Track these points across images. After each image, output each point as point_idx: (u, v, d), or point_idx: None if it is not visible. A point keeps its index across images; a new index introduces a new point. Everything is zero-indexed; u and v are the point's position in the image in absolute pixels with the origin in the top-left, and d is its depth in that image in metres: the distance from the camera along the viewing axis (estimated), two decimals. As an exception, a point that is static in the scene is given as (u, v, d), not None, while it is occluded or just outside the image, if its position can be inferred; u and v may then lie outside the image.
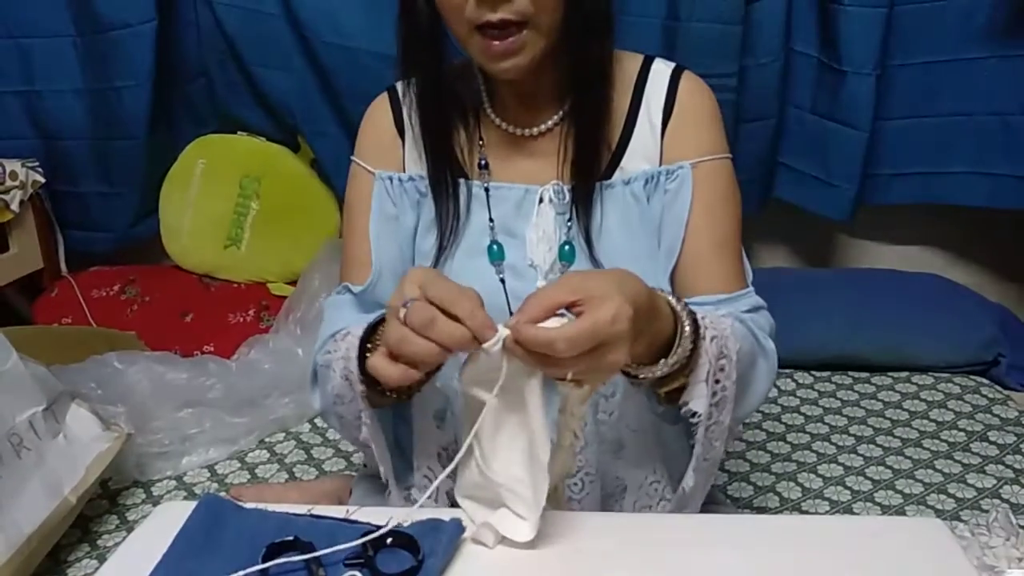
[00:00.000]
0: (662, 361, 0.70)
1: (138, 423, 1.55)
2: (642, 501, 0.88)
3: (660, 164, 0.90)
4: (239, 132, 2.14)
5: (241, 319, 2.08)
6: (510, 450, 0.68)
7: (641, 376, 0.72)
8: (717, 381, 0.72)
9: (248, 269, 2.18)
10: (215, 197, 2.14)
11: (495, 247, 0.91)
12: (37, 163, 2.04)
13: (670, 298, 0.71)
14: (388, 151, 0.95)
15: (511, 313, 0.88)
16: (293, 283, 2.11)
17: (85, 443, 1.36)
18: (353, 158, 0.97)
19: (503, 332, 0.63)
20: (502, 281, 0.90)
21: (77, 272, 2.17)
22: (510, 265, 0.91)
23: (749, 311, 0.85)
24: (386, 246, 0.93)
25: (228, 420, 1.67)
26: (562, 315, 0.64)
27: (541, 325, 0.62)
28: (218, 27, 1.98)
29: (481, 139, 0.94)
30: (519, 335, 0.61)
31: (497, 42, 0.79)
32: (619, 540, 0.70)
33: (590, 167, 0.89)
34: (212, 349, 1.97)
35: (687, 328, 0.70)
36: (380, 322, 0.76)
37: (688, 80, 0.91)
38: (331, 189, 2.11)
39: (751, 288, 0.89)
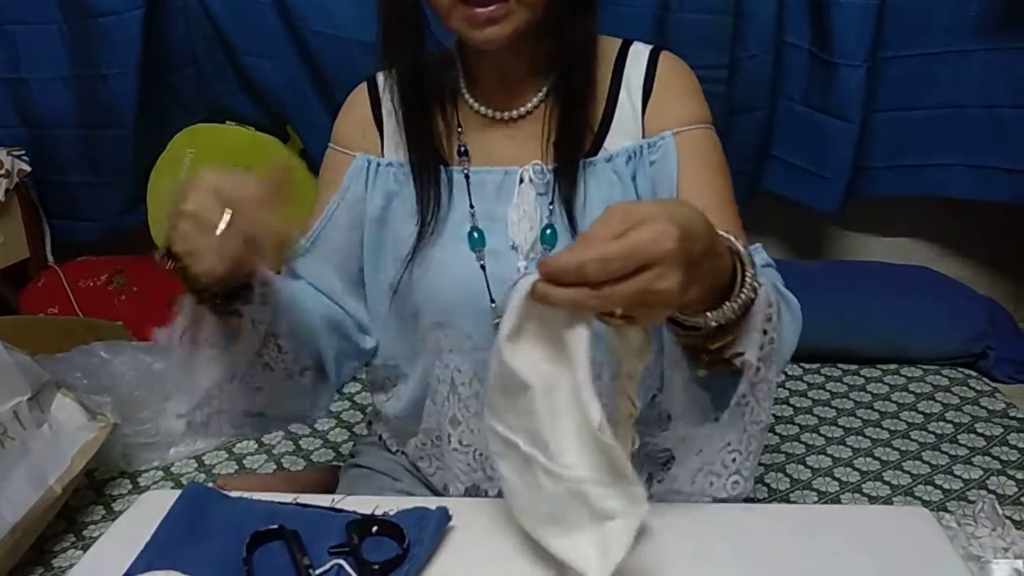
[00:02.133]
0: (727, 304, 0.63)
1: (124, 413, 1.55)
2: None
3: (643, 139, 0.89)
4: (228, 122, 2.12)
5: (229, 309, 2.07)
6: (579, 435, 0.59)
7: (697, 326, 0.64)
8: (764, 332, 0.66)
9: (237, 259, 2.17)
10: (203, 187, 2.12)
11: (475, 234, 0.90)
12: (23, 152, 2.02)
13: (729, 237, 0.65)
14: (367, 139, 0.94)
15: (491, 298, 0.88)
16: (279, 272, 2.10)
17: (70, 433, 1.35)
18: (330, 144, 0.97)
19: (527, 281, 0.56)
20: (483, 267, 0.89)
21: (64, 262, 2.15)
22: (491, 249, 0.90)
23: (762, 266, 0.82)
24: (341, 224, 0.93)
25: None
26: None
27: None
28: (207, 15, 1.96)
29: (460, 126, 0.93)
30: (545, 268, 0.55)
31: (480, 8, 0.79)
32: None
33: (574, 146, 0.88)
34: (200, 340, 1.96)
35: (750, 269, 0.64)
36: None
37: (666, 58, 0.91)
38: (320, 179, 2.10)
39: (759, 245, 0.85)
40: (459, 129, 0.93)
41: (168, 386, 1.58)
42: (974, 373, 1.86)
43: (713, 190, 0.87)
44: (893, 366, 1.88)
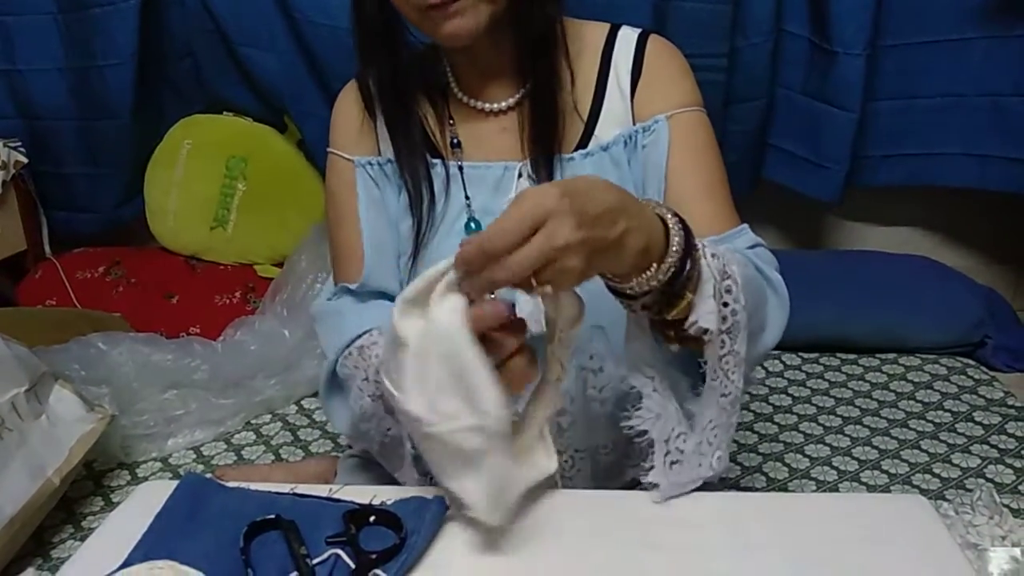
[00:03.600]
0: (653, 267, 0.64)
1: (123, 404, 1.55)
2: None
3: (635, 125, 0.89)
4: (225, 112, 2.12)
5: (228, 301, 2.07)
6: (453, 389, 0.62)
7: (636, 294, 0.65)
8: (725, 304, 0.67)
9: (235, 250, 2.17)
10: (201, 178, 2.12)
11: (472, 223, 0.90)
12: (19, 143, 2.01)
13: (656, 207, 0.66)
14: (363, 137, 0.94)
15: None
16: (280, 265, 2.10)
17: (69, 424, 1.35)
18: (329, 149, 0.96)
19: (444, 265, 0.61)
20: None
21: (61, 254, 2.15)
22: None
23: (750, 247, 0.83)
24: (379, 230, 0.92)
25: (214, 401, 1.67)
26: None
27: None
28: (203, 5, 1.95)
29: (451, 118, 0.93)
30: (458, 262, 0.59)
31: (439, 10, 0.79)
32: (605, 518, 0.70)
33: (546, 139, 0.88)
34: (198, 331, 1.96)
35: (675, 228, 0.64)
36: None
37: (654, 41, 0.90)
38: (318, 170, 2.10)
39: (746, 225, 0.85)
40: (451, 121, 0.93)
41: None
42: (972, 362, 1.86)
43: (700, 171, 0.86)
44: (892, 355, 1.88)
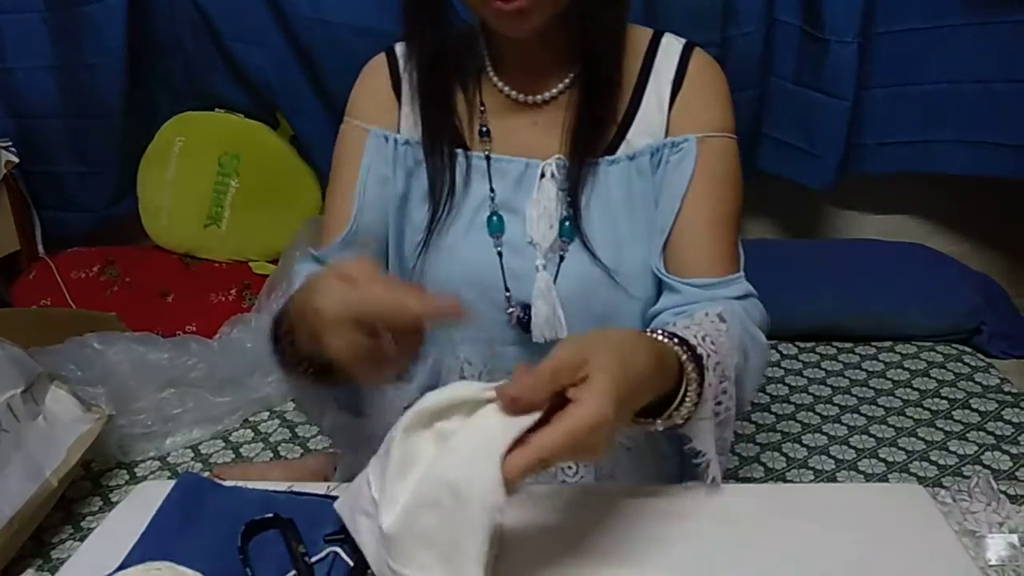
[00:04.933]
0: (660, 419, 0.66)
1: (120, 404, 1.54)
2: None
3: (666, 138, 0.86)
4: (217, 109, 2.11)
5: (223, 299, 2.06)
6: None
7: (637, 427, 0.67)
8: (719, 403, 0.69)
9: (229, 248, 2.16)
10: (194, 175, 2.11)
11: (495, 218, 0.86)
12: (10, 142, 2.00)
13: (678, 350, 0.66)
14: (384, 112, 0.90)
15: (507, 289, 0.86)
16: (275, 261, 2.09)
17: (65, 425, 1.35)
18: (346, 118, 0.92)
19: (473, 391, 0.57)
20: (500, 255, 0.86)
21: (55, 253, 2.14)
22: (508, 241, 0.86)
23: (739, 298, 0.82)
24: (373, 205, 0.88)
25: (211, 400, 1.66)
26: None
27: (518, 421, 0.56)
28: (192, 1, 1.94)
29: (482, 105, 0.89)
30: (507, 470, 0.54)
31: (508, 3, 0.75)
32: (600, 512, 0.70)
33: (591, 141, 0.85)
34: (194, 329, 1.96)
35: (693, 387, 0.66)
36: None
37: (699, 56, 0.87)
38: (311, 166, 2.09)
39: (742, 274, 0.84)
40: (481, 108, 0.88)
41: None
42: (969, 349, 1.86)
43: (715, 204, 0.84)
44: (888, 343, 1.89)
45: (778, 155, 1.99)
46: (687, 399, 0.66)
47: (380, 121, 0.90)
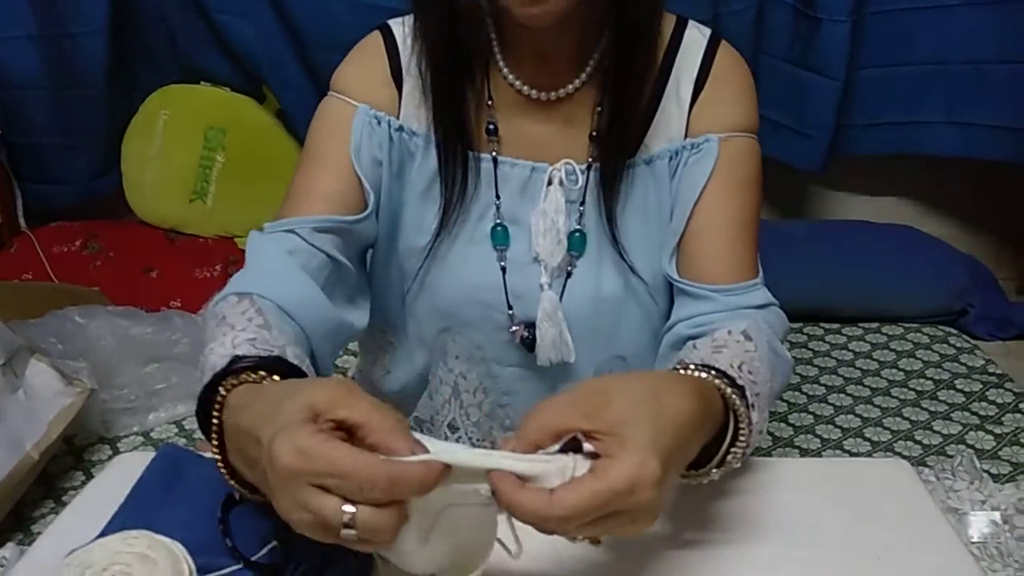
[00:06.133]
0: (715, 468, 0.57)
1: (102, 379, 1.53)
2: None
3: (685, 139, 0.79)
4: (202, 82, 2.08)
5: (208, 274, 2.04)
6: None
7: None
8: (759, 431, 0.61)
9: (215, 223, 2.14)
10: (179, 149, 2.09)
11: (499, 228, 0.79)
12: (-9, 114, 1.97)
13: (719, 383, 0.57)
14: (380, 97, 0.79)
15: (510, 307, 0.79)
16: (261, 237, 2.07)
17: (46, 398, 1.33)
18: (332, 92, 0.80)
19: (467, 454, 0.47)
20: (503, 270, 0.79)
21: (37, 227, 2.11)
22: (511, 257, 0.79)
23: (760, 307, 0.75)
24: (364, 190, 0.77)
25: (196, 375, 1.65)
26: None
27: (536, 457, 0.48)
28: (176, -29, 1.91)
29: (490, 98, 0.79)
30: (502, 498, 0.46)
31: None
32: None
33: (623, 142, 0.77)
34: (179, 305, 1.94)
35: (743, 426, 0.57)
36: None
37: (725, 51, 0.80)
38: (298, 140, 2.07)
39: (761, 281, 0.78)
40: (489, 102, 0.79)
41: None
42: (954, 331, 1.87)
43: (735, 207, 0.77)
44: (875, 324, 1.89)
45: (767, 135, 1.93)
46: (740, 438, 0.57)
47: (374, 101, 0.79)
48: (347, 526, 0.43)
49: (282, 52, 1.95)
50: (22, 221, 2.12)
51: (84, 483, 1.47)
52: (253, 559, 0.60)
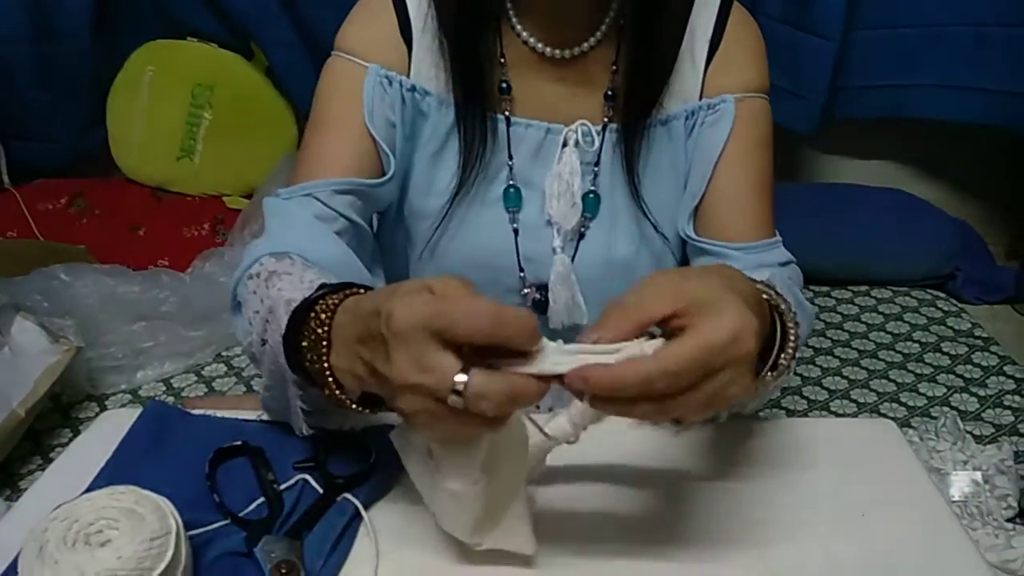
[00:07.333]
0: (771, 371, 0.56)
1: (88, 337, 1.52)
2: None
3: (700, 99, 0.78)
4: (189, 38, 2.04)
5: (196, 233, 2.03)
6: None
7: None
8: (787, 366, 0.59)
9: (202, 182, 2.12)
10: (166, 106, 2.06)
11: (512, 190, 0.78)
12: (-28, 69, 1.93)
13: (769, 291, 0.57)
14: (389, 56, 0.76)
15: (521, 270, 0.79)
16: (249, 196, 2.05)
17: (32, 356, 1.33)
18: (337, 52, 0.78)
19: (552, 358, 0.45)
20: (515, 232, 0.79)
21: (21, 185, 2.08)
22: (523, 220, 0.79)
23: (782, 264, 0.77)
24: (380, 151, 0.76)
25: (183, 333, 1.64)
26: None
27: (620, 347, 0.46)
28: (161, -79, 1.86)
29: (503, 57, 0.77)
30: (596, 383, 0.44)
31: None
32: (581, 450, 0.69)
33: (643, 99, 0.76)
34: (166, 263, 1.92)
35: (792, 331, 0.56)
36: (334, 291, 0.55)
37: (738, 12, 0.80)
38: (286, 98, 2.04)
39: (779, 239, 0.79)
40: (502, 60, 0.77)
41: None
42: (942, 294, 1.88)
43: (753, 168, 0.78)
44: (863, 288, 1.90)
45: (761, 96, 1.96)
46: (790, 341, 0.56)
47: (383, 60, 0.76)
48: (456, 393, 0.43)
49: (270, 8, 1.91)
50: (6, 178, 2.09)
51: (71, 440, 1.47)
52: (240, 515, 0.60)
